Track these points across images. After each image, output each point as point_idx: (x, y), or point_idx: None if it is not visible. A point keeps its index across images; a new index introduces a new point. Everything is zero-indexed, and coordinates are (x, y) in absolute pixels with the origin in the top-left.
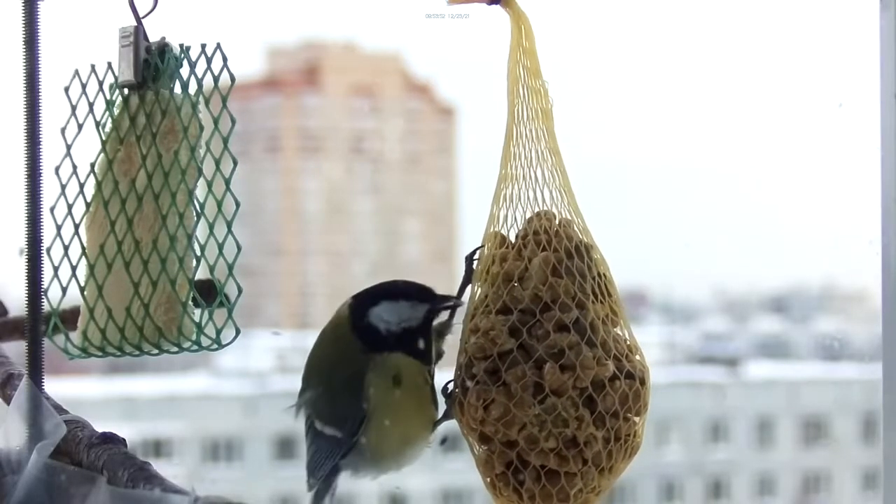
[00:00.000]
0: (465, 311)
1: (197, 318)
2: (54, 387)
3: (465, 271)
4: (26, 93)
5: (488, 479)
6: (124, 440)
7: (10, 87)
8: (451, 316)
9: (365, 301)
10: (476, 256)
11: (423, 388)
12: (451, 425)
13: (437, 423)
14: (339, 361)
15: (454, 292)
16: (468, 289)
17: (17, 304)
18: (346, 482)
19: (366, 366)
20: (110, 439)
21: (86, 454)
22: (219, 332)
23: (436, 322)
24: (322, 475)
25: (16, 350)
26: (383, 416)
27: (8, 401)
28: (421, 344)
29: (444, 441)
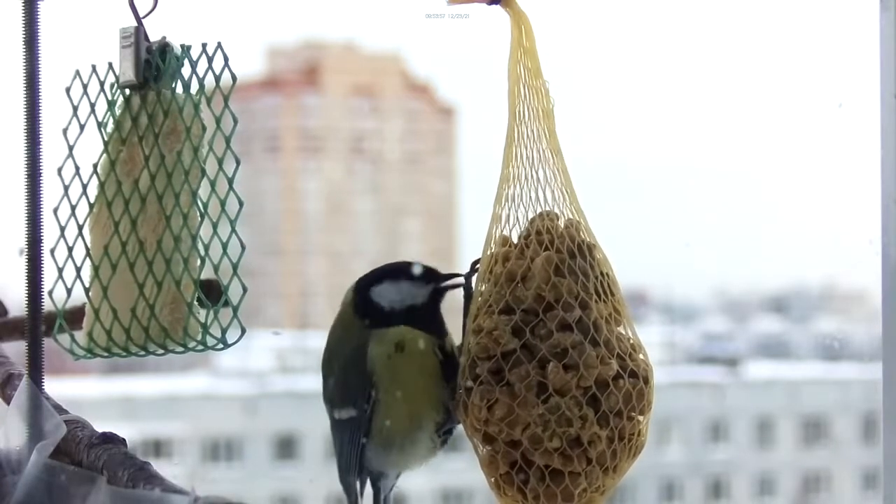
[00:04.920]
0: (469, 312)
1: (202, 319)
2: (54, 387)
3: (465, 292)
4: (26, 93)
5: (493, 480)
6: (124, 440)
7: (10, 87)
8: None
9: (368, 281)
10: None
11: (430, 357)
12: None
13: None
14: (344, 342)
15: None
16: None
17: (17, 304)
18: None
19: (367, 339)
20: (110, 439)
21: (86, 454)
22: (224, 331)
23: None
24: (355, 467)
25: (16, 350)
26: (389, 386)
27: (8, 401)
28: (429, 320)
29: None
